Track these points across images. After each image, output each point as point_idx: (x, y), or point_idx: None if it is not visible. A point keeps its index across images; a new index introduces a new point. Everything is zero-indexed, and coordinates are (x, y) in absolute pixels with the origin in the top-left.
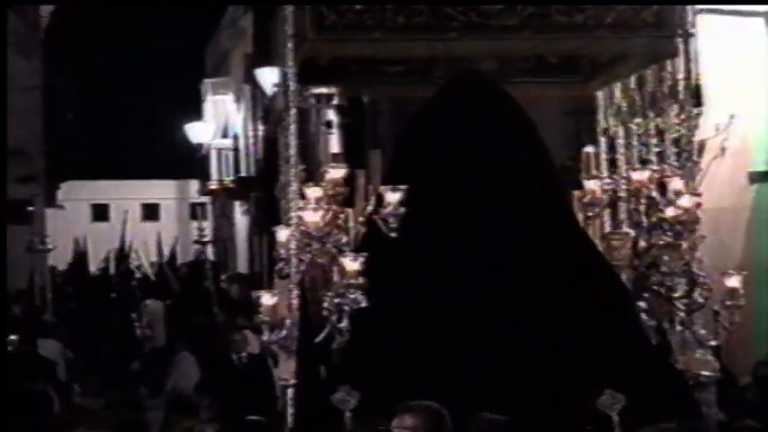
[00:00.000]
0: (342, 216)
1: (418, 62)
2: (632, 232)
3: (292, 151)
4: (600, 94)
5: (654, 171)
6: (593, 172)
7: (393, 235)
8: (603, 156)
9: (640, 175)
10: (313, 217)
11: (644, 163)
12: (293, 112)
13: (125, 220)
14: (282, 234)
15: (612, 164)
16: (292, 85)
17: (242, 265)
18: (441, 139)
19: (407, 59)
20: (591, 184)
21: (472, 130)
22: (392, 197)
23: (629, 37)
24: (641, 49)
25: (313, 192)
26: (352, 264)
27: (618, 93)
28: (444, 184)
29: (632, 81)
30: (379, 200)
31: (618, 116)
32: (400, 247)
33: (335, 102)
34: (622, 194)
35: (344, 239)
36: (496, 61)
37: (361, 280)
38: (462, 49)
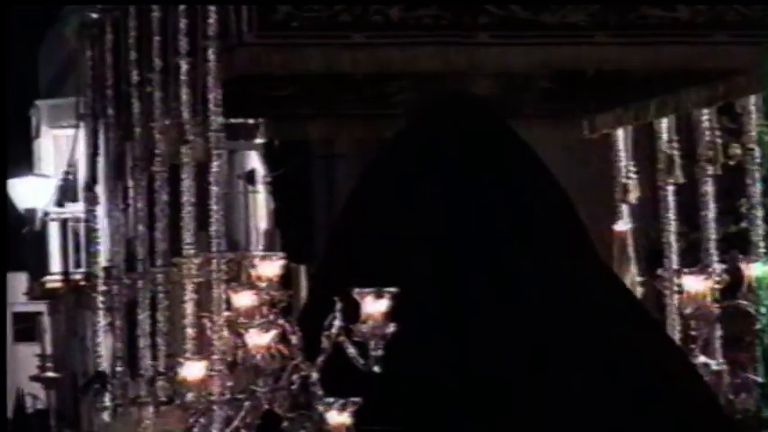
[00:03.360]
0: (294, 337)
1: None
2: (712, 363)
3: (214, 227)
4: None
5: None
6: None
7: (376, 369)
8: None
9: (747, 268)
10: (260, 339)
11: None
12: (216, 163)
13: None
14: (193, 369)
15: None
16: (215, 121)
17: None
18: (422, 199)
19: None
20: (694, 283)
21: (468, 179)
22: (373, 306)
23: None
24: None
25: (241, 298)
26: (338, 416)
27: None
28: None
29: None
30: (350, 309)
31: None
32: (387, 382)
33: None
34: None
35: (314, 376)
36: (497, 80)
37: None
38: (498, 60)
